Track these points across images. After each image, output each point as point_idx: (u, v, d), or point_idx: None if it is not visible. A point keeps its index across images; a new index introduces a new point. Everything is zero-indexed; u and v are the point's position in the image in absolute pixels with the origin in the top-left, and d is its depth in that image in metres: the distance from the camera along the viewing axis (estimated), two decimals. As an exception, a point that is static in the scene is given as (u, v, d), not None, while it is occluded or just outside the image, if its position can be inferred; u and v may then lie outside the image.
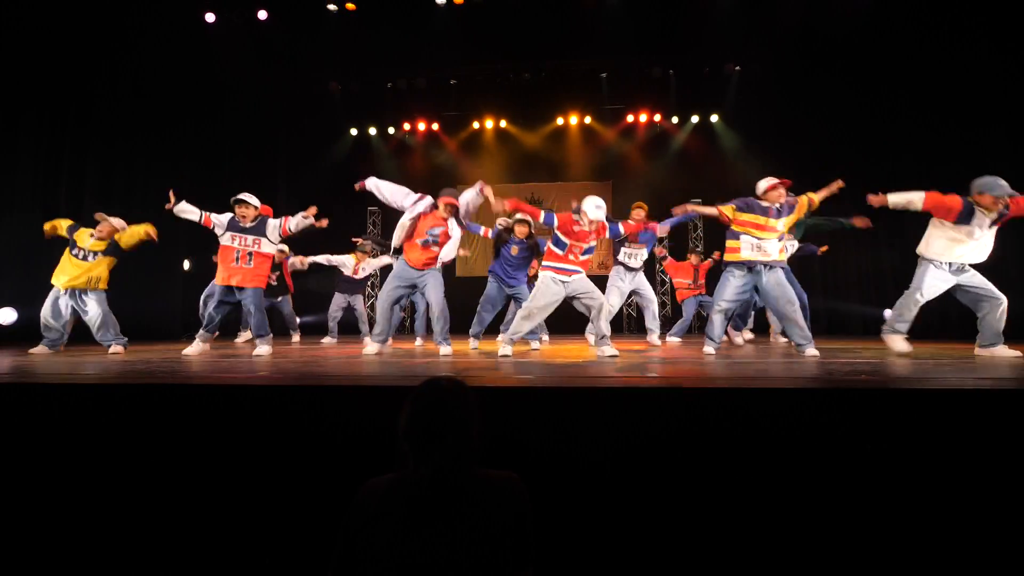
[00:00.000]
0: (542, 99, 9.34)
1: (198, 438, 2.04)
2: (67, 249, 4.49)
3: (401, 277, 4.30)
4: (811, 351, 3.72)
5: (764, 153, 8.88)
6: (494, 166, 10.02)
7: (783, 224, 4.07)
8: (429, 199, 4.39)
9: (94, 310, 4.46)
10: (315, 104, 9.38)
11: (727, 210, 4.12)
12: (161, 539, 1.94)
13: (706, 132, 9.47)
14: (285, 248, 6.43)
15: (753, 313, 5.92)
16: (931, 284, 3.64)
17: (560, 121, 9.67)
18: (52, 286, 4.49)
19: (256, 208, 4.39)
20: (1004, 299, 3.58)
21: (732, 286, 4.08)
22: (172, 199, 4.27)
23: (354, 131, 9.95)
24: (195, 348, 4.27)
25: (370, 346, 4.31)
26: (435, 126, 9.87)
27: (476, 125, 9.80)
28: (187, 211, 4.28)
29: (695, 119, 9.41)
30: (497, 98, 9.38)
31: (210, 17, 7.58)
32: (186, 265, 7.86)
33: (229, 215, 4.34)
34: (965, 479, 1.72)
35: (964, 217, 3.55)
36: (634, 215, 4.97)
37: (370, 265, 6.81)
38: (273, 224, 4.35)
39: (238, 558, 1.91)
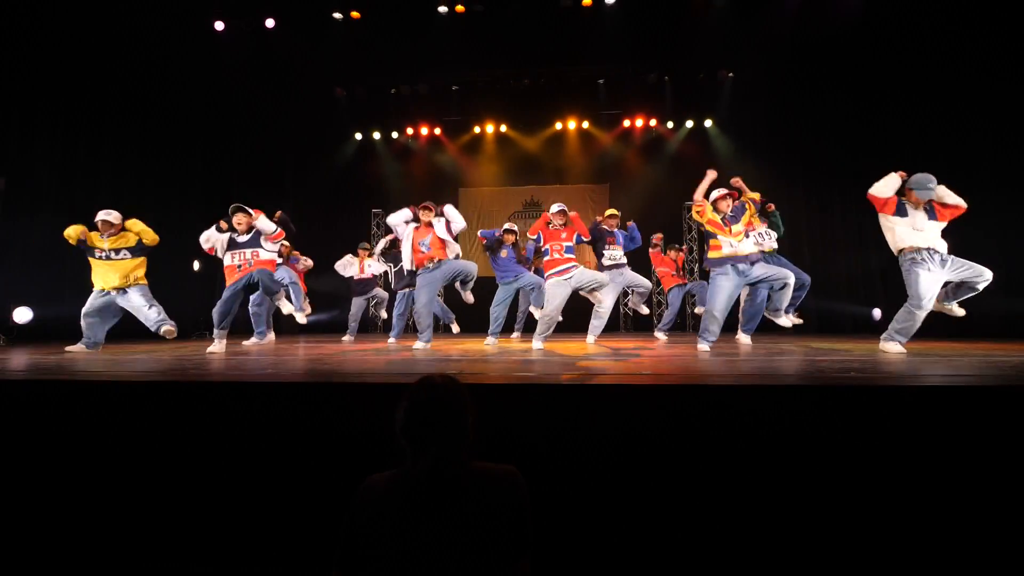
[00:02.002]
0: (541, 104, 9.55)
1: (209, 435, 2.06)
2: (88, 257, 4.55)
3: (430, 283, 4.75)
4: (783, 321, 4.02)
5: (757, 157, 9.11)
6: (495, 169, 10.24)
7: (741, 225, 4.20)
8: (407, 213, 4.86)
9: (138, 302, 4.55)
10: (321, 109, 9.59)
11: (706, 206, 4.31)
12: (169, 534, 1.97)
13: (700, 137, 9.69)
14: (287, 243, 6.64)
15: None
16: (927, 289, 3.58)
17: (559, 126, 9.88)
18: (91, 288, 4.58)
19: (252, 216, 4.57)
20: (990, 273, 3.66)
21: (724, 292, 4.11)
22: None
23: (359, 136, 10.14)
24: (217, 346, 4.44)
25: (417, 343, 4.67)
26: (437, 130, 10.06)
27: (477, 129, 10.01)
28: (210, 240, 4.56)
29: (690, 124, 9.62)
30: (498, 103, 9.59)
31: (219, 25, 7.80)
32: (196, 266, 8.04)
33: (224, 235, 4.55)
34: (954, 474, 1.75)
35: (900, 211, 3.74)
36: (609, 222, 5.53)
37: (375, 265, 6.95)
38: (263, 233, 4.57)
39: (244, 553, 1.93)
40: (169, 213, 7.81)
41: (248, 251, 4.55)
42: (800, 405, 1.91)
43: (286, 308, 4.60)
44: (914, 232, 3.67)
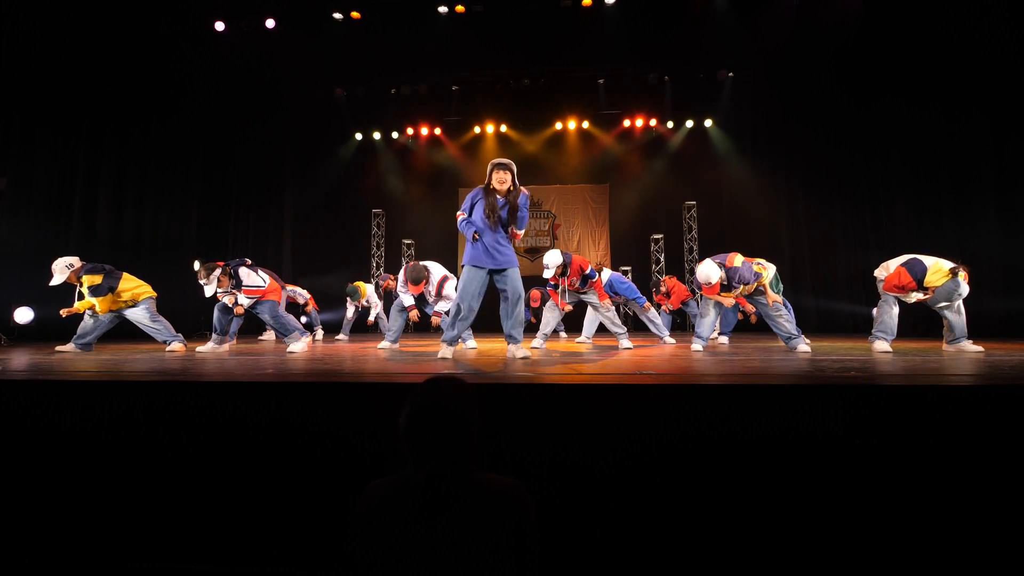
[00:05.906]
0: (541, 104, 9.58)
1: (208, 435, 2.06)
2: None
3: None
4: (802, 347, 3.96)
5: (757, 157, 9.15)
6: (495, 169, 10.25)
7: (733, 296, 4.53)
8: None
9: (140, 319, 4.60)
10: (321, 109, 9.61)
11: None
12: (169, 533, 1.98)
13: (700, 136, 9.72)
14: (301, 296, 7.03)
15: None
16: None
17: (559, 126, 9.91)
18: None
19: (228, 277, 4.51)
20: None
21: (711, 317, 4.59)
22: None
23: (359, 136, 10.17)
24: (208, 348, 4.45)
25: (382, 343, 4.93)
26: (437, 130, 10.09)
27: (477, 129, 10.04)
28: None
29: (689, 124, 9.65)
30: (498, 103, 9.62)
31: (219, 26, 7.81)
32: (196, 266, 8.03)
33: (212, 290, 4.44)
34: (954, 474, 1.76)
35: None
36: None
37: (373, 297, 7.10)
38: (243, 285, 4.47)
39: (245, 552, 1.93)
40: (169, 212, 7.85)
41: (231, 295, 4.47)
42: (800, 405, 1.91)
43: (294, 347, 4.34)
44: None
